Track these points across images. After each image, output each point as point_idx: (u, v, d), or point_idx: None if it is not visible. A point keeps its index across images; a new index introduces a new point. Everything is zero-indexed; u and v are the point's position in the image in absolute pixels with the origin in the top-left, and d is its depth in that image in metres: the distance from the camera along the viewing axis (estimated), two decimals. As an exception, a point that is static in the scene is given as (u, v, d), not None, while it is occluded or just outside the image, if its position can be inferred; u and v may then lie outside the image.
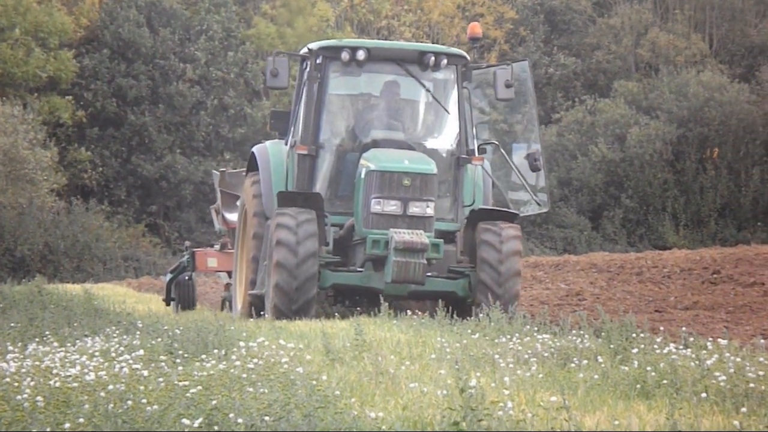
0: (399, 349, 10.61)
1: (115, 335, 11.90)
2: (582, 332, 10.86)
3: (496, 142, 16.86)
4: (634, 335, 10.10)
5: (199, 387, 8.00)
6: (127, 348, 10.58)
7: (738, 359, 9.03)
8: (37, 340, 11.64)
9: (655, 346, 9.85)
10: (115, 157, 50.24)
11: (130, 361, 9.46)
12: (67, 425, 6.94)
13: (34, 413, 7.16)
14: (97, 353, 10.23)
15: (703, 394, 8.05)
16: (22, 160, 41.07)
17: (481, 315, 12.74)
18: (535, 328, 11.67)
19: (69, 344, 11.16)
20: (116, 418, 6.98)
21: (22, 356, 10.20)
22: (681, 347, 9.81)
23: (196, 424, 6.80)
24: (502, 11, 58.10)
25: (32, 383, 8.40)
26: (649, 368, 8.78)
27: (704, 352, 9.46)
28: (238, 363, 9.32)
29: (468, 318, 13.39)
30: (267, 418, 6.86)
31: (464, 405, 6.57)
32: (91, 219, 45.25)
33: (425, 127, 16.17)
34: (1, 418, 7.22)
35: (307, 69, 15.67)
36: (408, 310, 14.11)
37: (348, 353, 10.05)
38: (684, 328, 11.25)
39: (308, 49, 15.81)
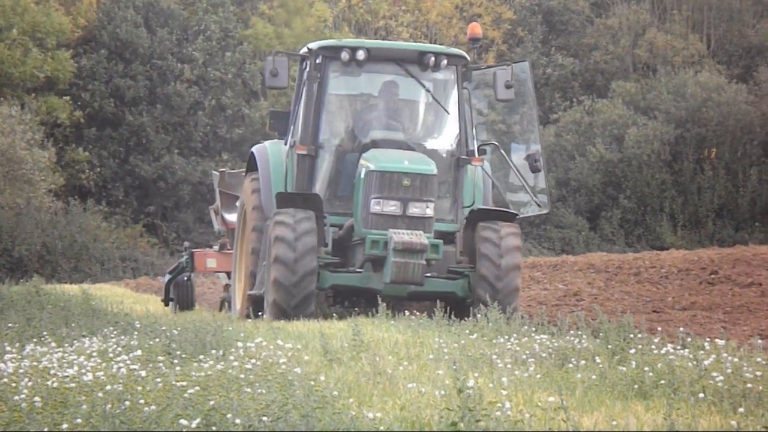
0: (397, 349, 10.61)
1: (112, 336, 11.90)
2: (580, 333, 10.87)
3: (496, 143, 16.85)
4: (631, 335, 10.10)
5: (197, 387, 8.00)
6: (125, 348, 10.58)
7: (735, 359, 9.03)
8: (34, 340, 11.63)
9: (653, 347, 9.85)
10: (112, 157, 50.23)
11: (128, 362, 9.45)
12: (64, 426, 6.93)
13: (31, 413, 7.16)
14: (94, 354, 10.23)
15: (701, 395, 8.05)
16: (20, 160, 41.06)
17: (479, 315, 12.73)
18: (533, 329, 11.67)
19: (67, 345, 11.15)
20: (114, 418, 6.97)
21: (19, 357, 10.19)
22: (678, 347, 9.82)
23: (194, 425, 6.80)
24: (500, 12, 58.12)
25: (30, 383, 8.40)
26: (646, 368, 8.79)
27: (702, 352, 9.46)
28: (236, 363, 9.31)
29: (466, 318, 13.39)
30: (265, 418, 6.86)
31: (462, 405, 6.57)
32: (89, 219, 45.24)
33: (425, 128, 16.15)
34: (-1, 418, 7.23)
35: (307, 69, 15.65)
36: (406, 311, 14.10)
37: (346, 354, 10.05)
38: (681, 329, 11.25)
39: (308, 48, 15.79)
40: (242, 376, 8.68)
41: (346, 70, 15.67)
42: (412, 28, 57.15)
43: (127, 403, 7.32)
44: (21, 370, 9.16)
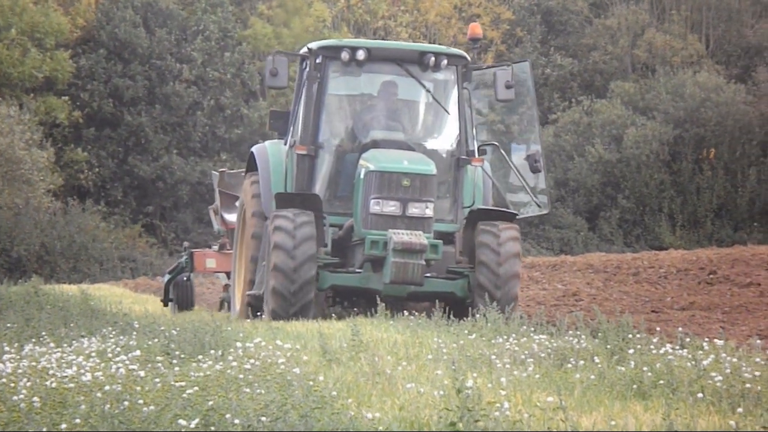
0: (396, 349, 10.61)
1: (111, 336, 11.90)
2: (579, 333, 10.87)
3: (497, 143, 16.82)
4: (630, 336, 10.10)
5: (196, 387, 8.00)
6: (124, 348, 10.58)
7: (734, 359, 9.03)
8: (33, 340, 11.63)
9: (652, 347, 9.85)
10: (111, 157, 50.23)
11: (127, 362, 9.45)
12: (63, 426, 6.93)
13: (30, 414, 7.16)
14: (93, 354, 10.23)
15: (700, 395, 8.05)
16: (19, 160, 41.04)
17: (477, 315, 12.73)
18: (532, 329, 11.67)
19: (65, 345, 11.15)
20: (113, 418, 6.97)
21: (18, 357, 10.19)
22: (677, 347, 9.82)
23: (192, 425, 6.80)
24: (499, 12, 58.13)
25: (29, 384, 8.40)
26: (645, 368, 8.79)
27: (700, 352, 9.46)
28: (234, 363, 9.31)
29: (465, 319, 13.38)
30: (264, 418, 6.86)
31: (461, 405, 6.57)
32: (88, 219, 45.24)
33: (425, 128, 16.12)
34: (-2, 418, 7.23)
35: (307, 69, 15.62)
36: (406, 311, 14.09)
37: (345, 354, 10.05)
38: (680, 329, 11.25)
39: (308, 48, 15.75)
40: (241, 376, 8.68)
41: (346, 70, 15.64)
42: (411, 29, 57.15)
43: (126, 403, 7.32)
44: (20, 371, 9.16)
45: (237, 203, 18.31)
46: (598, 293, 19.45)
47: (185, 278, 21.55)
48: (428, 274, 14.68)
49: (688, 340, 10.11)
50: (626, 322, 10.30)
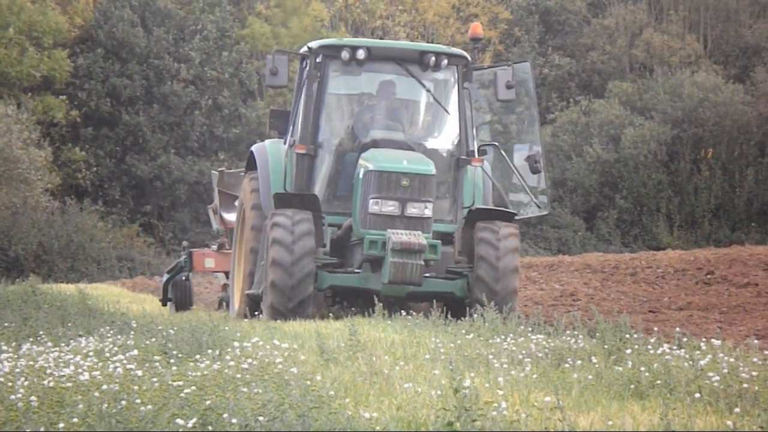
0: (393, 349, 10.61)
1: (109, 335, 11.89)
2: (576, 333, 10.87)
3: (497, 144, 16.80)
4: (628, 336, 10.11)
5: (193, 387, 7.99)
6: (121, 348, 10.58)
7: (731, 359, 9.04)
8: (31, 339, 11.63)
9: (649, 347, 9.86)
10: (109, 157, 50.20)
11: (124, 361, 9.45)
12: (61, 425, 6.93)
13: (27, 413, 7.16)
14: (91, 353, 10.22)
15: (697, 395, 8.06)
16: (16, 159, 41.01)
17: (475, 315, 12.73)
18: (530, 329, 11.67)
19: (63, 344, 11.14)
20: (110, 418, 6.97)
21: (16, 356, 10.19)
22: (675, 348, 9.82)
23: (190, 424, 6.80)
24: (497, 12, 58.12)
25: (26, 383, 8.39)
26: (642, 368, 8.79)
27: (698, 352, 9.47)
28: (232, 363, 9.31)
29: (463, 318, 13.38)
30: (261, 418, 6.86)
31: (458, 405, 6.57)
32: (86, 219, 45.22)
33: (425, 128, 16.10)
34: (-5, 418, 7.22)
35: (307, 68, 15.60)
36: (403, 311, 14.09)
37: (342, 353, 10.05)
38: (678, 329, 11.26)
39: (308, 47, 15.71)
40: (239, 375, 8.68)
41: (347, 69, 15.62)
42: (409, 28, 57.14)
43: (124, 402, 7.32)
44: (17, 370, 9.15)
45: (236, 203, 18.31)
46: (596, 293, 19.46)
47: (184, 278, 21.54)
48: (427, 274, 14.67)
49: (685, 340, 10.11)
50: (624, 322, 10.30)
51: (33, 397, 7.62)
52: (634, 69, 57.43)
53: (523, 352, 10.08)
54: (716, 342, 9.91)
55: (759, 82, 53.81)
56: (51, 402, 7.57)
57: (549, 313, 15.98)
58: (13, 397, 7.69)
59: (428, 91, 15.81)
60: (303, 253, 14.30)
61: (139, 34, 50.39)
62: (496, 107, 18.26)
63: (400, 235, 14.28)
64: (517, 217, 15.56)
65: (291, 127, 15.93)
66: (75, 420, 7.02)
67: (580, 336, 10.68)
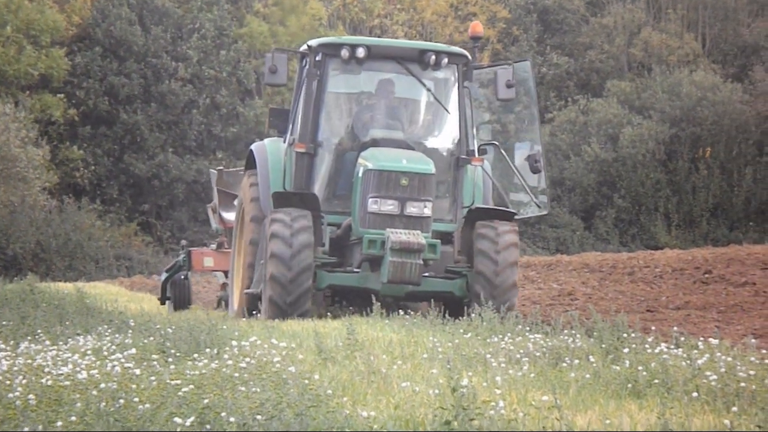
0: (391, 348, 10.61)
1: (107, 334, 11.89)
2: (574, 332, 10.88)
3: (497, 143, 16.77)
4: (625, 335, 10.11)
5: (191, 386, 8.00)
6: (119, 347, 10.58)
7: (729, 359, 9.05)
8: (29, 338, 11.63)
9: (647, 346, 9.87)
10: (107, 155, 50.18)
11: (122, 360, 9.45)
12: (59, 423, 6.94)
13: (26, 411, 7.16)
14: (89, 352, 10.23)
15: (694, 394, 8.07)
16: (14, 158, 40.98)
17: (473, 315, 12.72)
18: (527, 328, 11.68)
19: (61, 343, 11.15)
20: (108, 416, 6.98)
21: (14, 354, 10.19)
22: (672, 347, 9.83)
23: (188, 423, 6.80)
24: (495, 10, 58.12)
25: (24, 381, 8.40)
26: (640, 368, 8.80)
27: (695, 351, 9.48)
28: (230, 362, 9.31)
29: (460, 318, 13.37)
30: (259, 417, 6.86)
31: (456, 404, 6.58)
32: (83, 218, 45.21)
33: (425, 127, 16.04)
34: (-7, 416, 7.23)
35: (307, 66, 15.56)
36: (401, 310, 14.08)
37: (340, 352, 10.06)
38: (675, 328, 11.27)
39: (308, 46, 15.64)
40: (236, 374, 8.68)
41: (346, 67, 15.56)
42: (407, 27, 57.14)
43: (122, 401, 7.32)
44: (15, 368, 9.15)
45: (235, 201, 18.29)
46: (594, 292, 19.47)
47: (183, 277, 21.53)
48: (427, 274, 14.64)
49: (683, 339, 10.12)
50: (621, 321, 10.31)
51: (31, 396, 7.63)
52: (633, 68, 57.45)
53: (521, 351, 10.09)
54: (714, 341, 9.92)
55: (757, 81, 53.83)
56: (49, 400, 7.58)
57: (547, 312, 15.99)
58: (11, 395, 7.70)
59: (428, 90, 15.76)
60: (301, 246, 14.27)
61: (137, 33, 50.37)
62: (495, 106, 18.25)
63: (399, 235, 14.25)
64: (516, 217, 15.53)
65: (290, 126, 15.87)
66: (73, 418, 7.02)
67: (578, 335, 10.68)
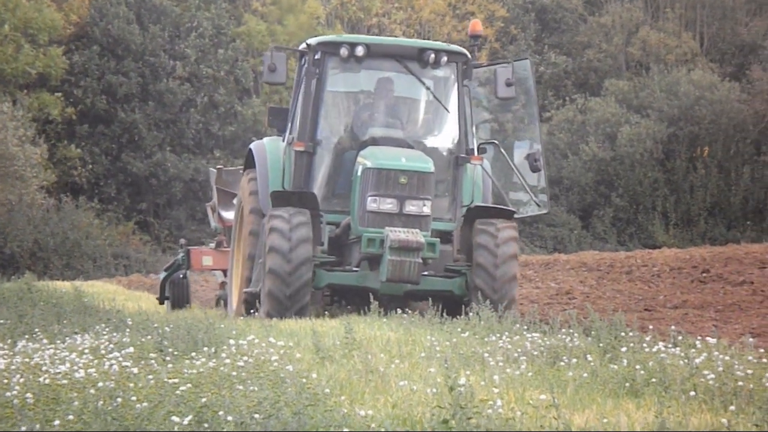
0: (389, 347, 10.61)
1: (104, 332, 11.89)
2: (571, 331, 10.88)
3: (496, 142, 16.74)
4: (623, 334, 10.11)
5: (189, 385, 8.00)
6: (117, 345, 10.58)
7: (727, 358, 9.05)
8: (26, 337, 11.63)
9: (644, 345, 9.87)
10: (104, 154, 50.16)
11: (120, 359, 9.45)
12: (56, 422, 6.93)
13: (23, 410, 7.16)
14: (86, 350, 10.23)
15: (692, 393, 8.07)
16: (12, 156, 40.97)
17: (471, 314, 12.71)
18: (525, 327, 11.68)
19: (59, 341, 11.15)
20: (106, 415, 6.97)
21: (11, 353, 10.19)
22: (670, 346, 9.83)
23: (185, 422, 6.80)
24: (493, 9, 58.12)
25: (21, 380, 8.40)
26: (638, 367, 8.80)
27: (693, 350, 9.48)
28: (228, 361, 9.31)
29: (458, 317, 13.35)
30: (257, 415, 6.86)
31: (453, 403, 6.58)
32: (81, 216, 45.20)
33: (424, 126, 16.00)
34: (-9, 415, 7.22)
35: (306, 65, 15.52)
36: (399, 309, 14.06)
37: (338, 351, 10.05)
38: (673, 327, 11.27)
39: (306, 44, 15.58)
40: (234, 373, 8.68)
41: (345, 66, 15.52)
42: (405, 26, 57.13)
43: (119, 400, 7.32)
44: (13, 367, 9.15)
45: (234, 200, 18.27)
46: (592, 291, 19.47)
47: (181, 275, 21.51)
48: (426, 273, 14.61)
49: (680, 338, 10.12)
50: (619, 320, 10.31)
51: (28, 395, 7.62)
52: (631, 67, 57.46)
53: (519, 350, 10.09)
54: (711, 340, 9.92)
55: (755, 80, 53.83)
56: (47, 399, 7.57)
57: (544, 311, 16.00)
58: (8, 394, 7.69)
59: (427, 88, 15.72)
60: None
61: (135, 31, 50.35)
62: (493, 105, 18.23)
63: (398, 233, 14.22)
64: (516, 216, 15.49)
65: (289, 125, 15.83)
66: (70, 417, 7.02)
67: (576, 334, 10.68)
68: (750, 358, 9.27)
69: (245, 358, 9.45)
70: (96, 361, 9.44)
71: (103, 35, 50.34)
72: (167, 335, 10.92)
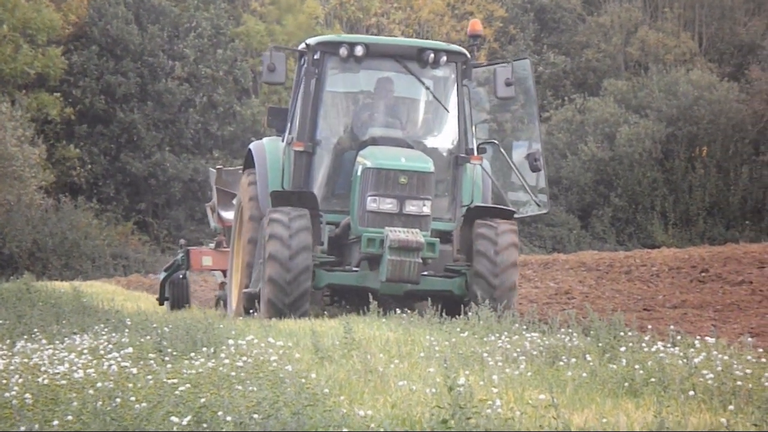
0: (388, 347, 10.61)
1: (103, 333, 11.89)
2: (570, 331, 10.88)
3: (496, 142, 16.74)
4: (622, 334, 10.12)
5: (188, 385, 7.99)
6: (116, 346, 10.57)
7: (725, 357, 9.05)
8: (25, 337, 11.62)
9: (644, 345, 9.87)
10: (103, 154, 50.16)
11: (119, 359, 9.45)
12: (55, 423, 6.93)
13: (22, 410, 7.15)
14: (85, 351, 10.22)
15: (691, 392, 8.07)
16: (10, 157, 40.96)
17: (470, 314, 12.71)
18: (524, 327, 11.68)
19: (57, 342, 11.14)
20: (105, 415, 6.97)
21: (10, 353, 10.19)
22: (669, 345, 9.84)
23: (184, 422, 6.80)
24: (492, 9, 58.13)
25: (20, 380, 8.39)
26: (637, 366, 8.80)
27: (692, 350, 9.48)
28: (227, 361, 9.31)
29: (458, 317, 13.35)
30: (256, 416, 6.86)
31: (453, 403, 6.58)
32: (80, 216, 45.19)
33: (424, 125, 15.97)
34: (-10, 415, 7.22)
35: (305, 65, 15.50)
36: (398, 309, 14.06)
37: (337, 351, 10.05)
38: (672, 327, 11.27)
39: (306, 44, 15.55)
40: (233, 373, 8.68)
41: (345, 66, 15.49)
42: (404, 26, 57.14)
43: (118, 400, 7.32)
44: (12, 367, 9.15)
45: (234, 201, 18.26)
46: (591, 291, 19.47)
47: (181, 276, 21.50)
48: (425, 273, 14.60)
49: (679, 338, 10.13)
50: (618, 320, 10.31)
51: (27, 395, 7.62)
52: (629, 67, 57.48)
53: (518, 350, 10.09)
54: (710, 340, 9.92)
55: (754, 80, 53.85)
56: (45, 399, 7.57)
57: (544, 311, 16.00)
58: (7, 394, 7.69)
59: (427, 88, 15.70)
60: (300, 247, 14.22)
61: (134, 32, 50.34)
62: (492, 105, 18.22)
63: (397, 233, 14.20)
64: (516, 216, 15.49)
65: (289, 125, 15.81)
66: (69, 417, 7.02)
67: (575, 334, 10.69)
68: (749, 357, 9.27)
69: (244, 358, 9.45)
70: (95, 362, 9.43)
71: (101, 35, 50.34)
72: (166, 335, 10.92)
